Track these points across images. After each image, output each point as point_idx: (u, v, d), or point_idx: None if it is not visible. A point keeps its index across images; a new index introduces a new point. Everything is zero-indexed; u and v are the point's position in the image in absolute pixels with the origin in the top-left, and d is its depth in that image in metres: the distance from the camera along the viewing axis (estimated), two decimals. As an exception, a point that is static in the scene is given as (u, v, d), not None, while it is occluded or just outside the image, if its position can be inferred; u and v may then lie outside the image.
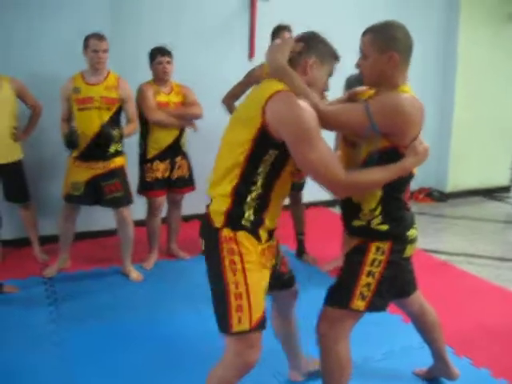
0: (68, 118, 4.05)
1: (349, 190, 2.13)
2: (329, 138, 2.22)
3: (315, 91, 2.14)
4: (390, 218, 2.27)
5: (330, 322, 2.34)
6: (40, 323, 3.51)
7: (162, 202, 4.49)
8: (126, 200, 4.10)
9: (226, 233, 2.09)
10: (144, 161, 4.39)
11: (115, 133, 3.89)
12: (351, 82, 3.96)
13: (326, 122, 2.12)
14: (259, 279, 2.14)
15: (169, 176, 4.43)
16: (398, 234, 2.29)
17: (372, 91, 2.33)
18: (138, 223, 4.65)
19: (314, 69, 2.16)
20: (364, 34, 2.21)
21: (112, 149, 3.98)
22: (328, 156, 2.02)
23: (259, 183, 2.07)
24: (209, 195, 2.19)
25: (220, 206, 2.10)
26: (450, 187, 7.07)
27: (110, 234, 4.79)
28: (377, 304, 2.32)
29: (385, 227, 2.26)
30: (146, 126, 4.30)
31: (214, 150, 2.29)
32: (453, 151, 6.98)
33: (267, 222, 2.16)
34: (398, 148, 2.18)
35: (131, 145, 4.37)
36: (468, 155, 7.02)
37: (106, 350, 3.20)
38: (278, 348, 2.81)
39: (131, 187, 4.22)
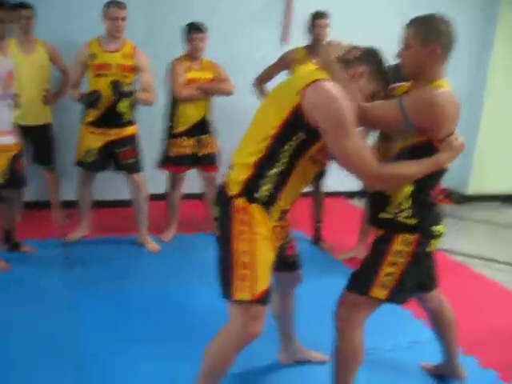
0: (77, 84, 4.05)
1: (382, 181, 2.12)
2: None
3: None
4: (419, 212, 2.26)
5: (348, 307, 2.35)
6: (54, 286, 3.58)
7: (183, 176, 4.52)
8: (139, 167, 4.16)
9: (240, 202, 2.11)
10: (171, 135, 4.41)
11: (127, 88, 3.86)
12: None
13: (363, 118, 2.13)
14: (267, 252, 2.15)
15: (196, 153, 4.45)
16: (426, 228, 2.29)
17: (408, 85, 2.32)
18: (159, 197, 4.69)
19: (362, 79, 2.18)
20: (409, 24, 2.19)
21: (126, 116, 4.02)
22: (362, 147, 2.04)
23: (282, 161, 2.08)
24: (232, 162, 2.21)
25: (239, 175, 2.12)
26: (471, 190, 7.00)
27: (129, 204, 4.82)
28: (397, 296, 2.32)
29: (413, 221, 2.26)
30: (175, 101, 4.31)
31: (241, 131, 2.29)
32: (477, 154, 6.90)
33: (282, 201, 2.16)
34: (433, 142, 2.17)
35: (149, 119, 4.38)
36: (493, 159, 6.94)
37: (116, 316, 3.25)
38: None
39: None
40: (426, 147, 2.18)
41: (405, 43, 2.19)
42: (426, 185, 2.25)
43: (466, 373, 2.88)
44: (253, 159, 2.08)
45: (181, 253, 4.29)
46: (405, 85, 2.34)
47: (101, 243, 4.32)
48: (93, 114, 3.98)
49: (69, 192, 4.70)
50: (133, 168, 4.13)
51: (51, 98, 4.28)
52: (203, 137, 4.45)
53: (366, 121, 2.19)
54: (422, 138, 2.16)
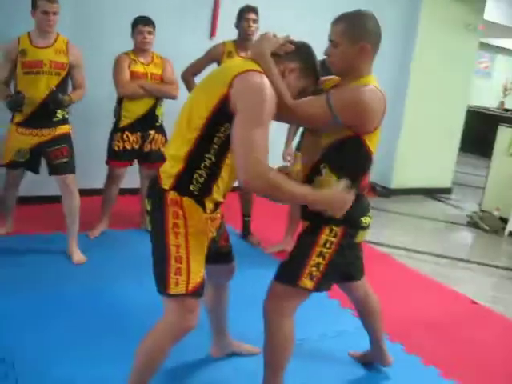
0: (6, 81, 3.81)
1: (264, 186, 1.97)
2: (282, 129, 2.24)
3: None
4: None
5: (277, 297, 2.37)
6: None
7: (122, 172, 4.43)
8: (71, 167, 3.92)
9: (173, 196, 2.09)
10: (115, 129, 4.32)
11: (65, 98, 3.74)
12: None
13: (291, 114, 2.15)
14: (200, 245, 2.15)
15: (140, 148, 4.37)
16: (352, 220, 2.33)
17: (335, 79, 2.35)
18: (92, 192, 4.62)
19: (292, 75, 2.18)
20: (335, 22, 2.20)
21: (59, 114, 3.84)
22: (265, 145, 1.97)
23: (213, 152, 2.06)
24: (165, 155, 2.19)
25: (171, 168, 2.10)
26: (394, 184, 7.24)
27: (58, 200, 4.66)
28: (323, 285, 2.36)
29: None
30: (120, 96, 4.24)
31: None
32: (400, 150, 7.16)
33: (215, 193, 2.16)
34: (360, 136, 2.22)
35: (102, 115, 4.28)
36: (414, 155, 7.22)
37: (44, 318, 3.12)
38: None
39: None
40: (353, 141, 2.22)
41: (333, 41, 2.19)
42: (349, 178, 2.26)
43: (391, 359, 2.97)
44: (183, 152, 2.06)
45: (108, 250, 4.19)
46: (332, 79, 2.37)
47: (24, 241, 4.15)
48: (22, 113, 3.77)
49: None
50: (65, 168, 3.88)
51: None
52: (149, 132, 4.36)
53: (293, 117, 2.22)
54: (349, 133, 2.20)
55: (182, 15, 5.41)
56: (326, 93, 2.19)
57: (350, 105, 2.14)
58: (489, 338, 3.55)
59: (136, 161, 4.49)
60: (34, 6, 3.65)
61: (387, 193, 7.12)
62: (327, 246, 2.31)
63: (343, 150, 2.23)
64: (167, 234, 2.09)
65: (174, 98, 4.29)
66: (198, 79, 4.02)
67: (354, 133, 2.20)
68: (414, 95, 7.03)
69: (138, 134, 4.32)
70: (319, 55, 2.26)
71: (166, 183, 2.11)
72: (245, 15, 4.18)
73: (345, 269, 2.47)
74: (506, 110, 12.66)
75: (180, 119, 2.15)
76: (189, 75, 4.36)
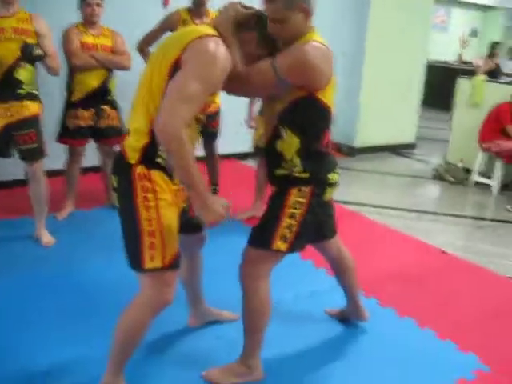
0: None
1: (171, 136, 1.87)
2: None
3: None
4: (309, 164, 2.30)
5: (252, 262, 2.38)
6: None
7: (82, 150, 4.35)
8: (41, 153, 3.78)
9: (140, 170, 2.05)
10: (68, 105, 4.21)
11: (37, 51, 3.54)
12: None
13: (241, 85, 2.16)
14: (172, 218, 2.12)
15: (95, 125, 4.28)
16: (319, 178, 2.34)
17: None
18: (56, 173, 4.49)
19: (252, 44, 2.16)
20: (270, 2, 2.13)
21: (25, 87, 3.65)
22: (195, 102, 1.92)
23: None
24: (127, 129, 2.14)
25: (136, 142, 2.05)
26: (358, 143, 7.27)
27: (22, 184, 4.56)
28: (297, 245, 2.38)
29: (306, 175, 2.30)
30: (71, 69, 4.13)
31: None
32: (362, 108, 7.17)
33: None
34: (313, 94, 2.20)
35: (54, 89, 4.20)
36: (376, 112, 7.24)
37: (18, 302, 3.09)
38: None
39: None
40: (307, 100, 2.21)
41: (275, 19, 2.14)
42: (309, 139, 2.28)
43: (368, 314, 3.01)
44: (146, 124, 2.01)
45: (78, 230, 4.14)
46: None
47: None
48: None
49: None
50: (34, 155, 3.74)
51: None
52: (103, 107, 4.27)
53: (244, 88, 2.21)
54: (302, 93, 2.19)
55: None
56: (270, 58, 2.17)
57: (295, 66, 2.13)
58: (460, 286, 3.63)
59: (92, 138, 4.39)
60: None
61: (352, 152, 7.16)
62: (297, 206, 2.31)
63: (299, 110, 2.23)
64: (137, 209, 2.05)
65: (126, 68, 4.22)
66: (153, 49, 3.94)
67: (306, 92, 2.19)
68: (372, 53, 7.02)
69: (92, 110, 4.23)
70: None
71: (132, 157, 2.06)
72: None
73: (317, 228, 2.47)
74: (465, 63, 12.76)
75: (140, 91, 2.09)
76: (144, 46, 4.27)
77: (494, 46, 8.41)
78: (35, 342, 2.74)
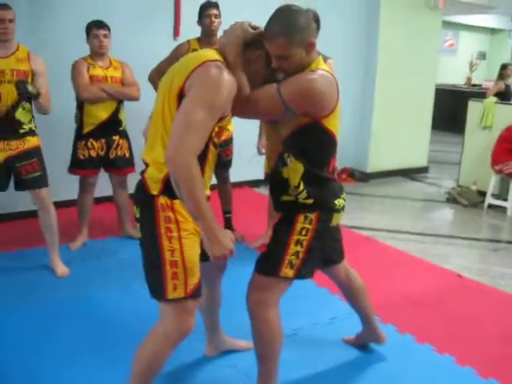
0: None
1: (181, 167, 1.87)
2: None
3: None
4: (314, 190, 2.30)
5: (259, 289, 2.36)
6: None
7: (94, 180, 4.38)
8: (44, 181, 3.82)
9: (163, 200, 2.05)
10: (79, 136, 4.25)
11: (32, 89, 3.57)
12: None
13: (246, 109, 2.15)
14: (195, 247, 2.12)
15: (105, 155, 4.30)
16: (325, 204, 2.33)
17: None
18: (70, 203, 4.54)
19: (260, 62, 2.16)
20: (271, 38, 2.10)
21: (25, 126, 3.70)
22: (202, 130, 1.92)
23: None
24: (144, 161, 2.14)
25: (157, 173, 2.05)
26: (371, 168, 7.27)
27: (33, 215, 4.59)
28: (304, 272, 2.36)
29: (310, 201, 2.30)
30: (81, 102, 4.17)
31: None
32: (373, 133, 7.18)
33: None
34: (318, 121, 2.21)
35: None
36: (388, 137, 7.25)
37: (35, 333, 3.07)
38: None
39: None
40: (312, 127, 2.22)
41: (280, 56, 2.12)
42: (314, 166, 2.28)
43: (385, 335, 2.98)
44: (163, 154, 1.99)
45: (93, 260, 4.14)
46: None
47: (3, 259, 4.08)
48: None
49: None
50: (39, 182, 3.77)
51: None
52: (113, 138, 4.31)
53: (249, 111, 2.20)
54: (306, 119, 2.20)
55: (145, 17, 5.37)
56: (276, 84, 2.17)
57: (301, 95, 2.14)
58: (478, 310, 3.58)
59: (103, 168, 4.42)
60: None
61: (365, 177, 7.14)
62: (303, 233, 2.31)
63: (304, 137, 2.23)
64: (160, 240, 2.05)
65: (135, 99, 4.27)
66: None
67: (310, 118, 2.20)
68: (383, 79, 7.05)
69: (103, 140, 4.26)
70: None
71: (154, 188, 2.06)
72: (206, 11, 4.15)
73: (324, 253, 2.46)
74: (474, 86, 12.78)
75: (154, 122, 2.11)
76: (156, 76, 4.30)
77: (505, 67, 8.40)
78: (50, 373, 2.72)
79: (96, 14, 4.37)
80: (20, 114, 3.67)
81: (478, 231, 5.43)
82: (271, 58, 2.17)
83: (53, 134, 4.75)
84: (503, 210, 5.90)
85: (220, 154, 4.33)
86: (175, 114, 1.96)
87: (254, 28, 2.17)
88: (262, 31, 2.16)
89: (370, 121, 7.15)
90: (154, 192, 2.06)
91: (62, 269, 3.89)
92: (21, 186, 3.78)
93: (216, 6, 4.19)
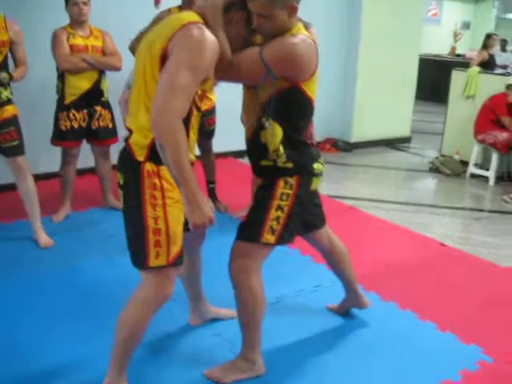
0: None
1: (164, 127, 1.85)
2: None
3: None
4: (293, 154, 2.31)
5: (241, 256, 2.37)
6: None
7: (77, 152, 4.32)
8: (21, 149, 3.79)
9: (149, 167, 2.02)
10: (60, 108, 4.19)
11: (4, 75, 3.56)
12: None
13: (229, 72, 2.14)
14: (179, 215, 2.11)
15: (87, 126, 4.25)
16: (304, 168, 2.36)
17: None
18: (52, 175, 4.50)
19: (239, 24, 2.13)
20: None
21: (3, 96, 3.64)
22: (186, 91, 1.89)
23: None
24: (128, 127, 2.10)
25: (142, 139, 2.02)
26: (354, 138, 7.26)
27: (13, 188, 4.55)
28: (285, 237, 2.38)
29: (290, 164, 2.31)
30: (62, 72, 4.10)
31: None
32: (357, 103, 7.16)
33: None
34: (297, 85, 2.22)
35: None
36: (371, 108, 7.23)
37: (19, 303, 3.09)
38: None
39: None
40: (291, 91, 2.23)
41: (262, 15, 2.12)
42: (294, 128, 2.30)
43: (368, 300, 3.02)
44: (148, 120, 1.97)
45: (75, 232, 4.11)
46: None
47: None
48: None
49: None
50: (16, 150, 3.75)
51: None
52: (96, 108, 4.25)
53: (231, 75, 2.19)
54: (286, 84, 2.21)
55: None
56: (258, 47, 2.16)
57: (282, 58, 2.14)
58: (460, 278, 3.62)
59: (85, 139, 4.36)
60: None
61: (348, 147, 7.14)
62: (284, 198, 2.32)
63: (283, 102, 2.24)
64: (144, 207, 2.04)
65: (117, 69, 4.20)
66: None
67: (290, 83, 2.21)
68: (366, 48, 6.99)
69: (85, 111, 4.21)
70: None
71: (140, 155, 2.03)
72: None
73: (305, 218, 2.48)
74: (458, 55, 12.76)
75: (135, 88, 2.07)
76: (136, 45, 4.24)
77: (489, 37, 8.39)
78: (36, 342, 2.73)
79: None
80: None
81: (461, 200, 5.47)
82: (252, 21, 2.15)
83: (34, 106, 4.69)
84: (485, 179, 5.94)
85: (203, 124, 4.29)
86: (158, 77, 1.94)
87: None
88: None
89: (354, 91, 7.12)
90: (140, 158, 2.03)
91: (45, 239, 3.87)
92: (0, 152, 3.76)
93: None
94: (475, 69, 6.65)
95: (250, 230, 2.37)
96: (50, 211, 4.24)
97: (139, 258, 2.09)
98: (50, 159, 4.49)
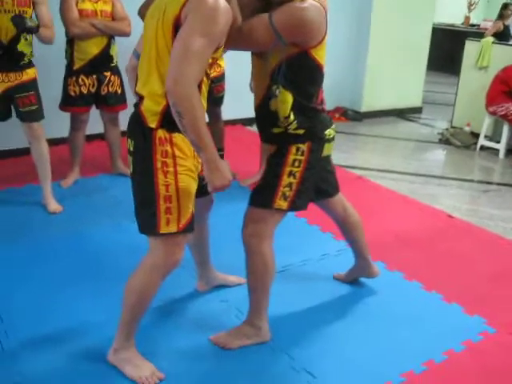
0: None
1: (181, 95, 1.84)
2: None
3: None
4: (304, 121, 2.31)
5: (254, 222, 2.39)
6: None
7: (86, 118, 4.31)
8: (40, 114, 3.80)
9: (162, 134, 2.02)
10: (69, 73, 4.17)
11: (31, 23, 3.48)
12: None
13: (239, 39, 2.12)
14: (190, 183, 2.11)
15: (96, 91, 4.23)
16: (315, 134, 2.35)
17: None
18: (62, 141, 4.52)
19: None
20: None
21: (26, 58, 3.65)
22: (201, 58, 1.88)
23: None
24: (139, 93, 2.09)
25: (154, 106, 2.01)
26: (364, 107, 7.21)
27: (26, 152, 4.55)
28: (298, 203, 2.40)
29: (301, 131, 2.31)
30: (71, 37, 4.08)
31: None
32: (368, 73, 7.08)
33: None
34: (307, 51, 2.20)
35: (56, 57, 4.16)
36: (382, 77, 7.15)
37: (27, 268, 3.12)
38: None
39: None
40: (300, 57, 2.21)
41: None
42: (305, 95, 2.29)
43: (378, 269, 3.04)
44: (160, 86, 1.97)
45: (84, 198, 4.14)
46: None
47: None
48: None
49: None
50: (35, 116, 3.75)
51: None
52: (105, 74, 4.23)
53: (241, 42, 2.17)
54: (295, 49, 2.19)
55: None
56: (267, 14, 2.13)
57: (292, 24, 2.12)
58: (467, 250, 3.63)
59: (94, 105, 4.36)
60: None
61: (359, 117, 7.09)
62: (296, 164, 2.33)
63: (292, 68, 2.22)
64: (156, 174, 2.04)
65: (127, 34, 4.16)
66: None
67: (299, 49, 2.19)
68: (379, 16, 6.89)
69: (94, 76, 4.19)
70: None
71: (152, 121, 2.02)
72: None
73: (317, 185, 2.50)
74: (472, 26, 12.57)
75: (146, 54, 2.05)
76: (145, 10, 4.19)
77: (506, 6, 8.25)
78: (43, 306, 2.77)
79: None
80: (22, 46, 3.61)
81: (470, 173, 5.45)
82: None
83: (43, 70, 4.63)
84: (495, 152, 5.90)
85: (212, 91, 4.26)
86: (171, 44, 1.92)
87: None
88: None
89: (365, 59, 7.03)
90: (152, 125, 2.02)
91: (54, 205, 3.89)
92: (18, 116, 3.75)
93: None
94: (489, 39, 6.56)
95: (262, 196, 2.38)
96: (58, 177, 4.25)
97: (149, 224, 2.10)
98: (59, 125, 4.48)
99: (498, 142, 5.92)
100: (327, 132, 2.39)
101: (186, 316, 2.76)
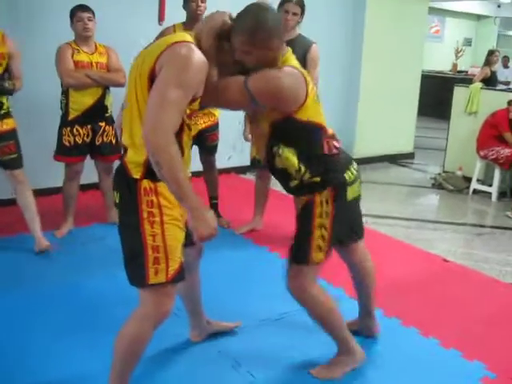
0: None
1: (156, 144, 1.83)
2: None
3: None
4: (317, 169, 2.31)
5: (295, 277, 2.46)
6: None
7: (80, 168, 4.33)
8: (20, 162, 3.87)
9: (146, 184, 2.02)
10: (64, 123, 4.20)
11: (8, 85, 3.61)
12: None
13: (214, 98, 2.15)
14: (177, 232, 2.10)
15: (91, 141, 4.26)
16: (334, 178, 2.35)
17: None
18: (55, 190, 4.53)
19: (227, 55, 2.12)
20: (236, 32, 2.07)
21: (5, 107, 3.72)
22: (176, 109, 1.88)
23: None
24: (123, 145, 2.11)
25: (137, 157, 2.02)
26: (356, 153, 7.25)
27: (12, 203, 4.54)
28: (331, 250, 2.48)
29: (317, 179, 2.32)
30: (66, 88, 4.13)
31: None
32: (359, 119, 7.19)
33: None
34: (291, 116, 2.22)
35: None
36: (374, 123, 7.25)
37: (20, 318, 3.08)
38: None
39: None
40: (287, 120, 2.24)
41: (240, 50, 2.10)
42: (308, 148, 2.30)
43: (379, 327, 3.00)
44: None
45: (78, 247, 4.11)
46: None
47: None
48: None
49: None
50: (16, 164, 3.83)
51: None
52: (100, 124, 4.26)
53: (217, 101, 2.22)
54: (279, 115, 2.22)
55: (129, 1, 5.31)
56: (244, 77, 2.15)
57: (267, 91, 2.16)
58: (463, 294, 3.61)
59: (89, 155, 4.38)
60: None
61: (351, 163, 7.13)
62: (324, 216, 2.36)
63: (285, 130, 2.26)
64: (142, 224, 2.03)
65: (121, 85, 4.19)
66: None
67: (281, 114, 2.22)
68: (369, 65, 7.05)
69: (89, 126, 4.22)
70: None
71: (136, 172, 2.03)
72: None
73: (347, 228, 2.53)
74: (460, 72, 12.82)
75: (129, 106, 2.07)
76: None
77: (491, 53, 8.43)
78: (36, 358, 2.72)
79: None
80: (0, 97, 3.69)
81: (463, 216, 5.47)
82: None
83: (38, 121, 4.71)
84: (488, 195, 5.94)
85: (206, 139, 4.33)
86: (147, 96, 1.94)
87: (233, 20, 2.14)
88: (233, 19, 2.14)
89: (356, 107, 7.15)
90: (136, 176, 2.03)
91: (44, 242, 3.90)
92: (0, 165, 3.83)
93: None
94: (477, 85, 6.69)
95: (298, 253, 2.44)
96: (52, 227, 4.24)
97: (138, 275, 2.08)
98: (53, 174, 4.50)
99: (490, 185, 5.97)
100: (346, 175, 2.38)
101: (180, 367, 2.71)
